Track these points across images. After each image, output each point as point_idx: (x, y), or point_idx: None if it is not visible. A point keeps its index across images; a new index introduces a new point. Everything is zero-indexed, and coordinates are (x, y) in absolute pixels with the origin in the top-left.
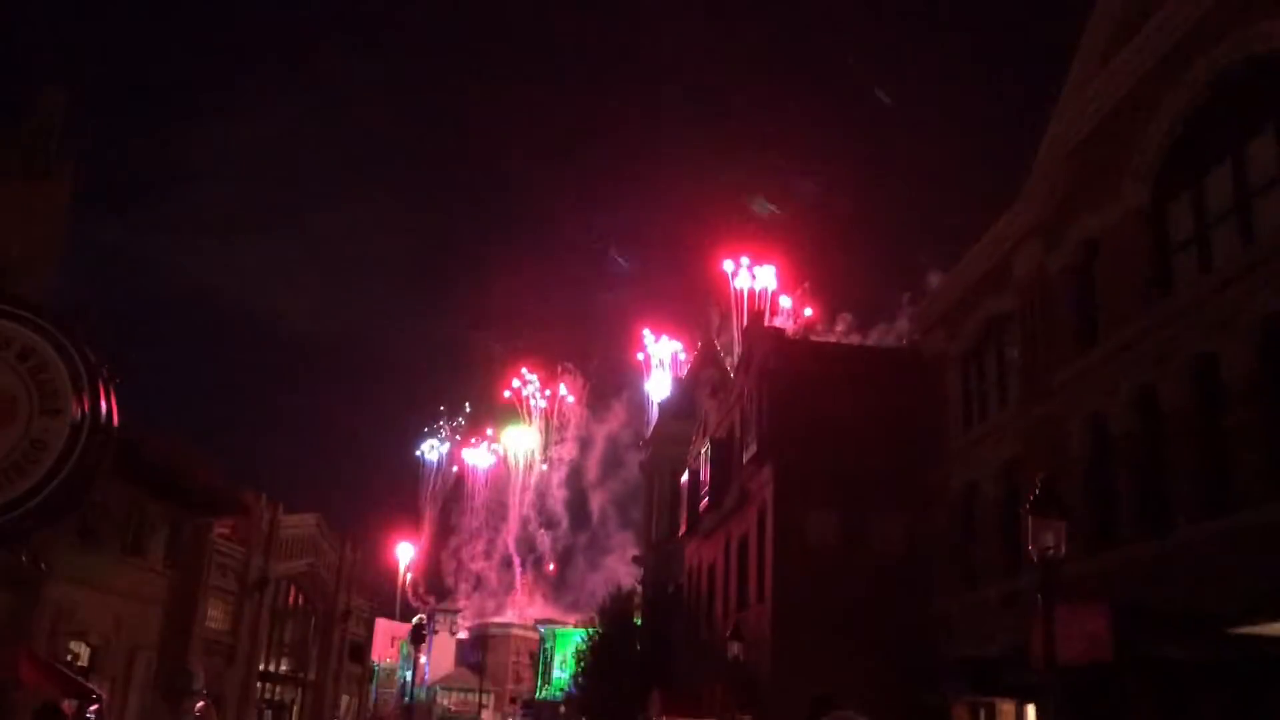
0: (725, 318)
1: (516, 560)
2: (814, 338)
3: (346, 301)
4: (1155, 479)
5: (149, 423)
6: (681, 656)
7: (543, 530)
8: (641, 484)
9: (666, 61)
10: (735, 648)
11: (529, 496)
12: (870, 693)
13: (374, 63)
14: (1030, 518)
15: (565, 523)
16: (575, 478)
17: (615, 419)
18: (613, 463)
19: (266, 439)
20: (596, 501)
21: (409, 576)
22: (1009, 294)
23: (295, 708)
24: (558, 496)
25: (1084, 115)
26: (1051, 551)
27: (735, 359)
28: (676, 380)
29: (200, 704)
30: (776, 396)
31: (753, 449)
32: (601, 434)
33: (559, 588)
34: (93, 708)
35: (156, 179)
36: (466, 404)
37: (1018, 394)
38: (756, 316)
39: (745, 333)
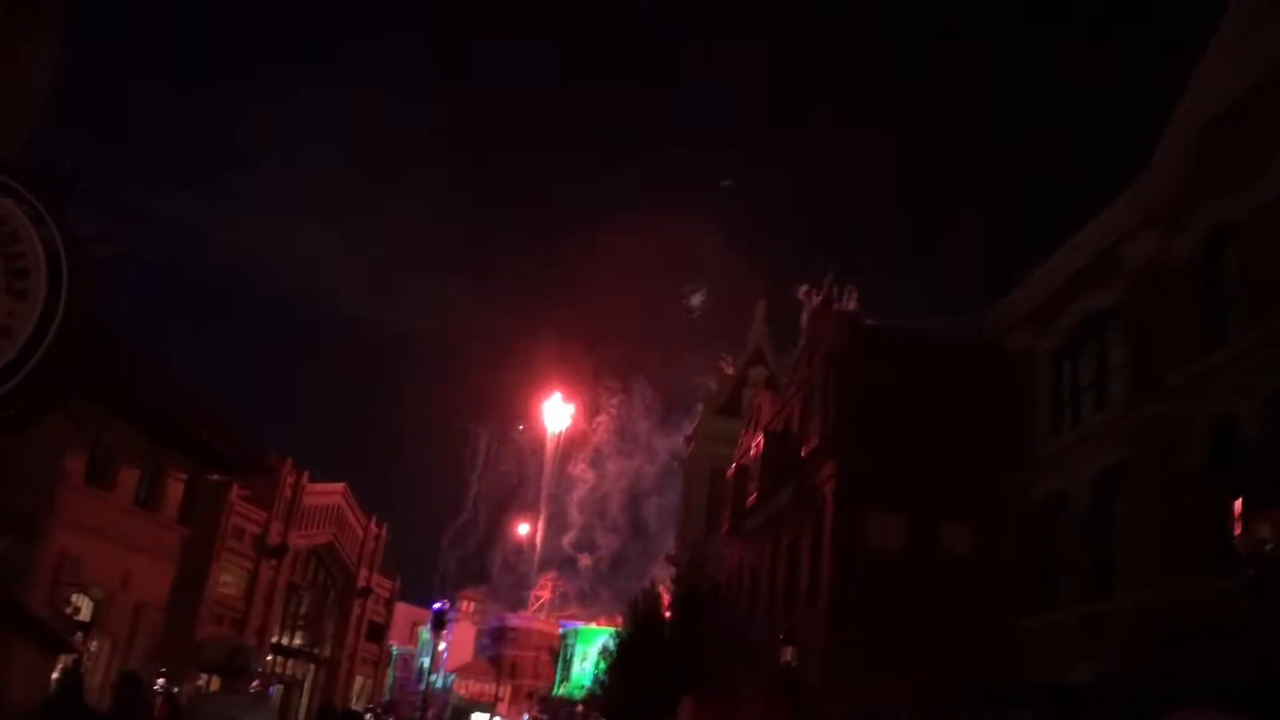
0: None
1: (584, 559)
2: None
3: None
4: None
5: (178, 380)
6: (716, 660)
7: (600, 533)
8: (681, 483)
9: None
10: (789, 653)
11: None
12: (927, 711)
13: (439, 57)
14: (1241, 504)
15: (622, 526)
16: (635, 485)
17: (681, 434)
18: (671, 474)
19: (298, 413)
20: (650, 511)
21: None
22: (1115, 287)
23: (307, 684)
24: (617, 503)
25: (1226, 87)
26: (1270, 547)
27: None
28: (726, 379)
29: (255, 683)
30: (844, 387)
31: (814, 442)
32: (665, 447)
33: (603, 591)
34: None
35: (213, 155)
36: None
37: (1123, 395)
38: (825, 301)
39: (812, 317)
